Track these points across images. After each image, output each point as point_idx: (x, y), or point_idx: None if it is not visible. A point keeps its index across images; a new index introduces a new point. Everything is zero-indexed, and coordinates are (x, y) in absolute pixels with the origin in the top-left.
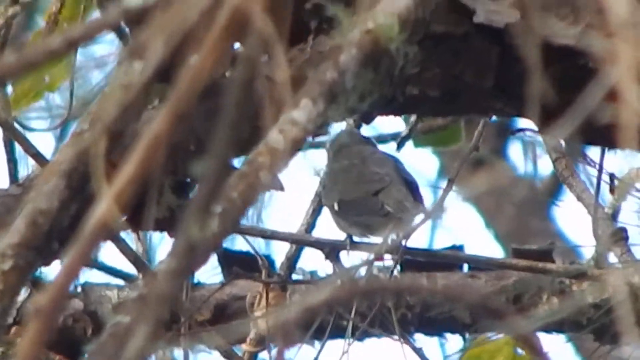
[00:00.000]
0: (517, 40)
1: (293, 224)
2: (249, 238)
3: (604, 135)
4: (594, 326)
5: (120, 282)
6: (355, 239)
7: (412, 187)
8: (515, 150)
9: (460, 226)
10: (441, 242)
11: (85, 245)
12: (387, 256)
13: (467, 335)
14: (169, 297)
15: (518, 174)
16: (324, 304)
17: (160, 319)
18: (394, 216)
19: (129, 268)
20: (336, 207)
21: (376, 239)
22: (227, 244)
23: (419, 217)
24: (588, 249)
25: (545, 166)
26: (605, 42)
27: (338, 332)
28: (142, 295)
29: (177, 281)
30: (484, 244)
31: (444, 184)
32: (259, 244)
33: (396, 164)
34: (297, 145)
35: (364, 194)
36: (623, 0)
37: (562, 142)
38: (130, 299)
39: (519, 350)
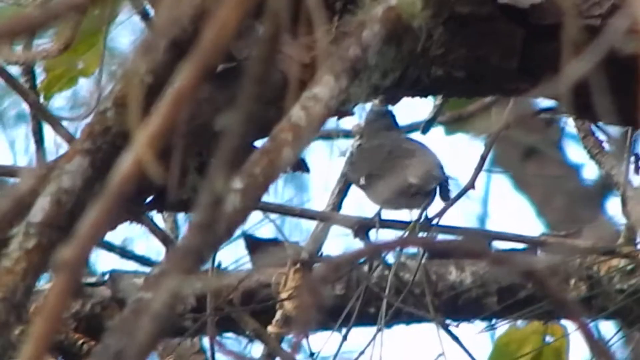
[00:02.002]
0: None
1: (320, 205)
2: (277, 222)
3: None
4: (622, 312)
5: (148, 270)
6: (384, 215)
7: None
8: (568, 141)
9: (511, 215)
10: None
11: (114, 194)
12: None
13: (495, 322)
14: (198, 250)
15: (569, 162)
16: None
17: (189, 270)
18: (422, 188)
19: (157, 255)
20: (363, 182)
21: (405, 215)
22: (254, 230)
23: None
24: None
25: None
26: None
27: (365, 320)
28: (162, 270)
29: (206, 235)
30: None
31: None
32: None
33: (423, 147)
34: (320, 122)
35: (393, 168)
36: None
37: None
38: (152, 275)
39: (549, 339)
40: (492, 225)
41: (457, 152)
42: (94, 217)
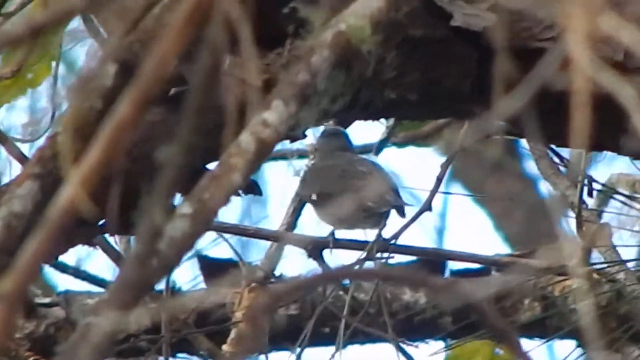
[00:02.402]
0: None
1: (274, 225)
2: (232, 242)
3: (559, 109)
4: (576, 330)
5: (102, 290)
6: (338, 234)
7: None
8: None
9: (469, 228)
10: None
11: (51, 228)
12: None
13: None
14: (137, 282)
15: (527, 175)
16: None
17: (128, 305)
18: (375, 211)
19: (111, 276)
20: (314, 198)
21: (359, 235)
22: (208, 250)
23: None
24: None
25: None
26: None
27: (320, 340)
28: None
29: (144, 266)
30: (492, 247)
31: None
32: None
33: (377, 167)
34: (269, 147)
35: (346, 187)
36: None
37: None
38: (101, 300)
39: (498, 351)
40: (451, 239)
41: (412, 165)
42: (33, 249)
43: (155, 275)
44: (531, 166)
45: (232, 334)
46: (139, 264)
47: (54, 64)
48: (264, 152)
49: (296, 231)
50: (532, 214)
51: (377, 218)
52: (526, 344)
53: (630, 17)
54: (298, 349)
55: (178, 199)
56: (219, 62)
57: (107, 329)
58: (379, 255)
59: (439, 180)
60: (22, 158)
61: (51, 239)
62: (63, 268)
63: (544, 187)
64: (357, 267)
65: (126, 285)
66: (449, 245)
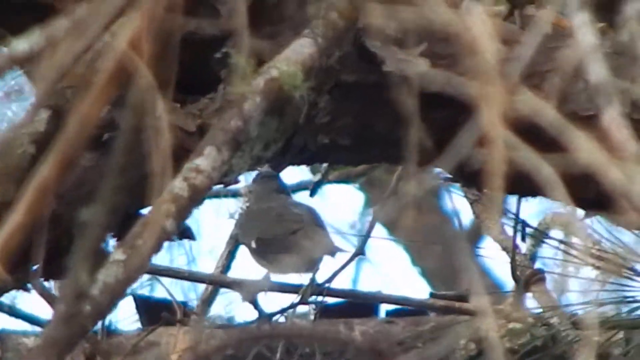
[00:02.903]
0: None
1: (208, 267)
2: (166, 284)
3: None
4: None
5: (38, 329)
6: (273, 278)
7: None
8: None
9: (387, 264)
10: (365, 283)
11: None
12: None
13: None
14: (64, 343)
15: (445, 211)
16: (232, 345)
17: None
18: (311, 255)
19: (47, 315)
20: (254, 245)
21: (293, 279)
22: (144, 291)
23: (332, 256)
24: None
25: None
26: (478, 88)
27: None
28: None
29: (71, 327)
30: (410, 281)
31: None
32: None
33: (311, 211)
34: (202, 193)
35: (282, 233)
36: (492, 46)
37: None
38: (37, 344)
39: None
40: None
41: (339, 201)
42: None
43: (88, 322)
44: (448, 202)
45: None
46: (64, 323)
47: None
48: (197, 198)
49: (230, 273)
50: (448, 249)
51: (313, 263)
52: None
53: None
54: None
55: (112, 243)
56: (146, 110)
57: None
58: (312, 298)
59: (372, 226)
60: None
61: None
62: None
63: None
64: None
65: (52, 344)
66: (375, 283)
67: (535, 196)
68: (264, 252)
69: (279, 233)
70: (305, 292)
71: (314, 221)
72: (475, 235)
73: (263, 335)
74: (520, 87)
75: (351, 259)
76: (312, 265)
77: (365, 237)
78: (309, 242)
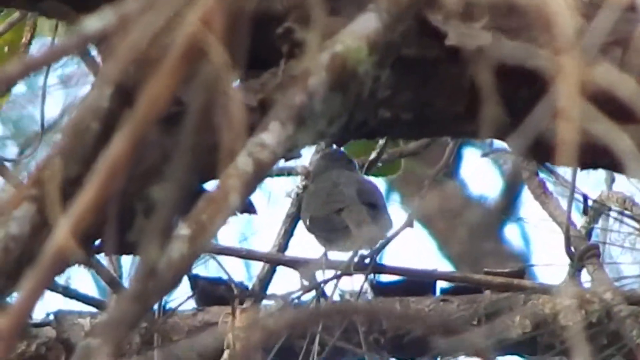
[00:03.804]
0: (474, 63)
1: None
2: (223, 263)
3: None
4: (566, 348)
5: (93, 309)
6: (330, 256)
7: (375, 209)
8: (466, 172)
9: (413, 248)
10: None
11: (44, 272)
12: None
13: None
14: (130, 321)
15: (469, 195)
16: (290, 326)
17: (119, 343)
18: (354, 233)
19: (102, 295)
20: (308, 223)
21: (348, 256)
22: (200, 270)
23: (375, 237)
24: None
25: (495, 187)
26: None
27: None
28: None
29: (139, 305)
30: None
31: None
32: (234, 267)
33: (363, 187)
34: (267, 168)
35: (329, 212)
36: (570, 19)
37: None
38: (101, 322)
39: None
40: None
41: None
42: (28, 288)
43: (152, 298)
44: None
45: (225, 354)
46: (134, 301)
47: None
48: (262, 174)
49: (288, 252)
50: (474, 234)
51: (357, 239)
52: None
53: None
54: None
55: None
56: (216, 83)
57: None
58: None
59: (421, 197)
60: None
61: (46, 276)
62: (53, 287)
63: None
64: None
65: (119, 323)
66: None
67: (603, 168)
68: (316, 231)
69: (327, 212)
70: (348, 265)
71: (361, 199)
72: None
73: (323, 314)
74: (597, 59)
75: (399, 231)
76: (359, 245)
77: (415, 208)
78: (351, 222)
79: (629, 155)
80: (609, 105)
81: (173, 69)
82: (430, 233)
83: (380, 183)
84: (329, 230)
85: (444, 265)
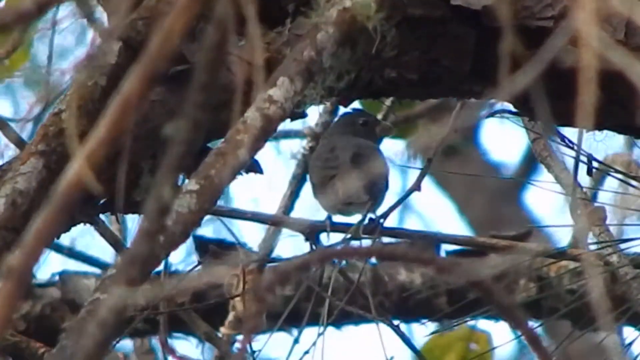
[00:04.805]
0: (493, 22)
1: (271, 207)
2: (227, 223)
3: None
4: (571, 312)
5: (98, 271)
6: (335, 218)
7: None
8: (486, 137)
9: (433, 213)
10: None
11: (58, 205)
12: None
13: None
14: (144, 257)
15: (489, 160)
16: (298, 268)
17: (135, 279)
18: (348, 204)
19: (107, 257)
20: (312, 187)
21: (355, 219)
22: (204, 231)
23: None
24: (566, 230)
25: (515, 152)
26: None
27: (316, 320)
28: (119, 266)
29: (150, 244)
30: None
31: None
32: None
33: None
34: (275, 124)
35: (323, 177)
36: None
37: (538, 123)
38: (108, 275)
39: (473, 346)
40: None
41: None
42: (40, 225)
43: (162, 251)
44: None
45: (230, 316)
46: (147, 240)
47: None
48: (270, 129)
49: (293, 214)
50: (493, 198)
51: (361, 205)
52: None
53: None
54: (296, 331)
55: (181, 178)
56: (223, 40)
57: (115, 305)
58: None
59: (429, 160)
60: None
61: (57, 216)
62: (58, 248)
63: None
64: (353, 245)
65: (134, 260)
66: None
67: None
68: (316, 194)
69: (322, 177)
70: (356, 230)
71: (355, 164)
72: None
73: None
74: None
75: (407, 195)
76: (351, 208)
77: (422, 172)
78: (341, 186)
79: None
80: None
81: (186, 5)
82: (450, 198)
83: (397, 144)
84: (323, 195)
85: (463, 231)
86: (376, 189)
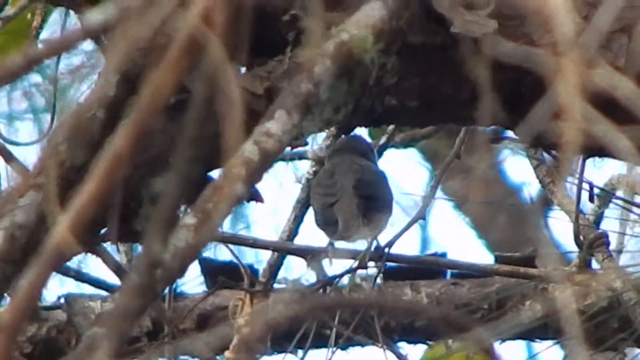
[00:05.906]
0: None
1: (276, 232)
2: (232, 247)
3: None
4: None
5: (105, 293)
6: (337, 245)
7: (372, 202)
8: (506, 160)
9: (451, 236)
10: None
11: (43, 267)
12: (370, 264)
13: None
14: (132, 313)
15: (509, 183)
16: (302, 315)
17: (124, 334)
18: (340, 231)
19: (113, 279)
20: (313, 213)
21: (358, 245)
22: (209, 254)
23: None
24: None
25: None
26: (554, 61)
27: (322, 342)
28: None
29: (141, 298)
30: (475, 254)
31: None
32: (242, 253)
33: (364, 177)
34: (273, 157)
35: (324, 204)
36: (569, 20)
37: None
38: (107, 311)
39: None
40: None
41: (409, 167)
42: (29, 282)
43: (159, 286)
44: (512, 173)
45: (235, 340)
46: (138, 293)
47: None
48: (267, 162)
49: (298, 238)
50: (514, 221)
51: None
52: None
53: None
54: (300, 352)
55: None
56: (220, 71)
57: (112, 341)
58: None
59: (433, 189)
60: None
61: (45, 273)
62: (64, 271)
63: (526, 194)
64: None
65: (126, 310)
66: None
67: (608, 157)
68: (318, 221)
69: (322, 204)
70: (362, 258)
71: (358, 192)
72: (543, 203)
73: (331, 305)
74: (597, 60)
75: (412, 223)
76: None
77: (427, 200)
78: (340, 218)
79: (627, 156)
80: (607, 106)
81: (176, 60)
82: (469, 221)
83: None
84: (324, 223)
85: (483, 253)
86: (377, 217)
